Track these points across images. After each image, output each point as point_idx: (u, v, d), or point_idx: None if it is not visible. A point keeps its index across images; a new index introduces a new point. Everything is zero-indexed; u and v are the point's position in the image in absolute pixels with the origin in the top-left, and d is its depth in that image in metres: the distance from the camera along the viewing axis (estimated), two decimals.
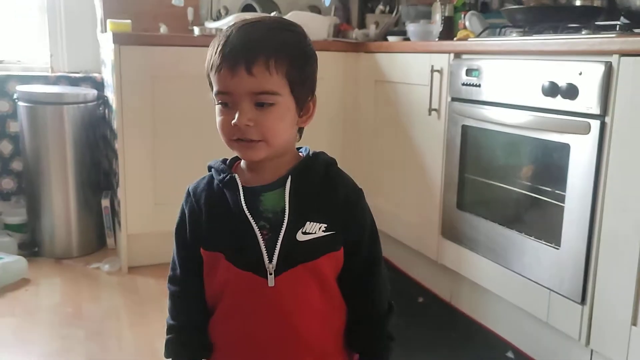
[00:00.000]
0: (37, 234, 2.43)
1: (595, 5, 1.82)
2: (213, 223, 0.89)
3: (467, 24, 2.15)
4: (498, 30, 1.95)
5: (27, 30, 2.72)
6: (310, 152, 0.92)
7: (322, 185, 0.89)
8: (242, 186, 0.88)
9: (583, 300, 1.48)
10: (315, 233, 0.86)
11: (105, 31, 2.40)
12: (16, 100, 2.41)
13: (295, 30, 0.87)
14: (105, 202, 2.51)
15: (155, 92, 2.20)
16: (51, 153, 2.37)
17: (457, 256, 1.96)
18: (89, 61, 2.74)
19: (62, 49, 2.72)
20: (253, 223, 0.86)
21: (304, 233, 0.86)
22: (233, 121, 0.81)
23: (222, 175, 0.90)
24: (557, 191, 1.56)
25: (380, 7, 2.84)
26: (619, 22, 1.54)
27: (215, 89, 0.84)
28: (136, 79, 2.17)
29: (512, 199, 1.77)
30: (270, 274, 0.85)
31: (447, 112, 1.96)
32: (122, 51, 2.14)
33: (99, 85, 2.68)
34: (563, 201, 1.52)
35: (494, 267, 1.77)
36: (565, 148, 1.50)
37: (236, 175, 0.89)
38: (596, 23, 1.60)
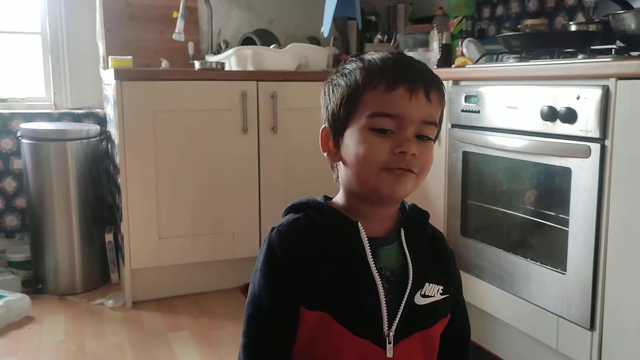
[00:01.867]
0: (41, 270, 2.43)
1: (590, 30, 1.84)
2: (322, 275, 0.74)
3: (464, 51, 2.17)
4: (495, 56, 1.96)
5: (31, 68, 2.76)
6: (406, 204, 0.84)
7: (430, 241, 0.82)
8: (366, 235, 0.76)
9: (592, 326, 1.46)
10: (434, 296, 0.78)
11: (107, 68, 2.43)
12: (20, 138, 2.43)
13: None
14: (108, 237, 2.51)
15: (157, 126, 2.22)
16: (55, 189, 2.38)
17: (463, 283, 1.93)
18: (92, 97, 2.77)
19: (66, 86, 2.75)
20: (378, 280, 0.74)
21: (423, 296, 0.77)
22: (399, 148, 0.72)
23: (333, 219, 0.77)
24: (560, 215, 1.55)
25: (379, 36, 2.88)
26: (614, 46, 1.55)
27: (375, 109, 0.73)
28: (138, 114, 2.19)
29: (515, 224, 1.76)
30: (390, 342, 0.74)
31: (447, 139, 1.96)
32: (123, 87, 2.17)
33: (102, 120, 2.71)
34: (567, 225, 1.51)
35: (501, 293, 1.75)
36: (566, 172, 1.50)
37: (359, 222, 0.77)
38: (592, 47, 1.62)
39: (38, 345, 1.97)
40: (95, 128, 2.52)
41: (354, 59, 0.79)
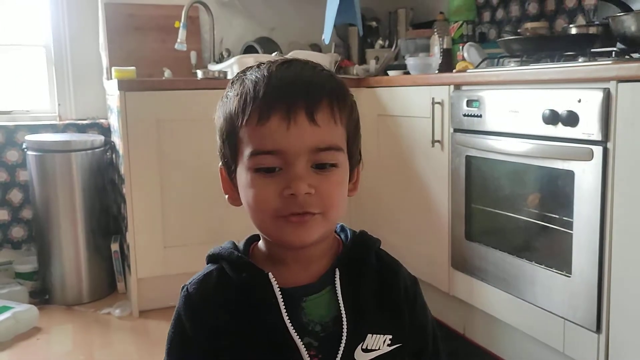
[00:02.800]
0: (48, 281, 2.44)
1: (590, 32, 1.84)
2: (235, 343, 0.64)
3: (465, 55, 2.18)
4: (496, 60, 1.97)
5: (35, 80, 2.79)
6: (350, 232, 0.72)
7: (378, 278, 0.70)
8: (280, 288, 0.65)
9: (598, 329, 1.46)
10: (379, 349, 0.66)
11: (111, 78, 2.45)
12: (25, 150, 2.45)
13: (334, 73, 0.70)
14: (114, 247, 2.52)
15: (160, 136, 2.23)
16: (60, 200, 2.39)
17: (468, 287, 1.94)
18: (96, 108, 2.79)
19: (70, 97, 2.78)
20: (299, 342, 0.63)
21: (365, 350, 0.65)
22: (287, 190, 0.60)
23: (244, 274, 0.66)
24: (564, 218, 1.56)
25: (380, 41, 2.89)
26: (615, 49, 1.56)
27: (252, 147, 0.62)
28: (142, 124, 2.21)
29: (520, 228, 1.76)
30: None
31: (450, 144, 1.97)
32: (127, 97, 2.18)
33: (106, 131, 2.73)
34: (571, 228, 1.52)
35: (506, 297, 1.75)
36: (569, 175, 1.50)
37: (269, 273, 0.65)
38: (592, 50, 1.62)
39: (46, 356, 1.98)
40: (99, 139, 2.54)
41: (235, 79, 0.67)
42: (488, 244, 1.84)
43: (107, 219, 2.60)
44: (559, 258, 1.57)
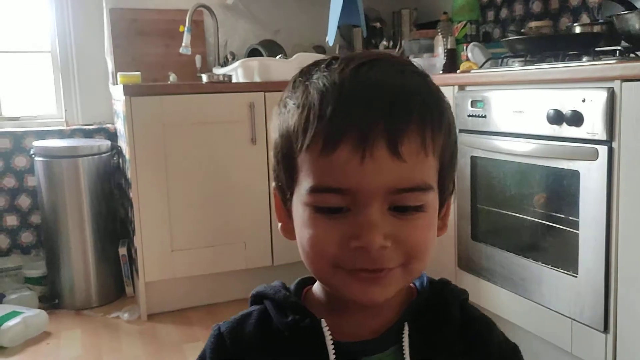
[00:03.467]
0: (57, 286, 2.46)
1: (595, 31, 1.84)
2: None
3: (469, 55, 2.18)
4: (500, 60, 1.97)
5: (42, 86, 2.81)
6: (426, 279, 0.58)
7: (461, 336, 0.55)
8: (333, 341, 0.52)
9: (606, 329, 1.45)
10: None
11: (117, 83, 2.46)
12: (33, 156, 2.47)
13: (427, 75, 0.54)
14: (122, 251, 2.54)
15: (166, 140, 2.24)
16: (68, 205, 2.41)
17: (475, 288, 1.94)
18: (102, 113, 2.81)
19: (76, 102, 2.79)
20: None
21: None
22: (356, 242, 0.47)
23: (292, 317, 0.53)
24: (570, 218, 1.55)
25: (384, 42, 2.89)
26: (619, 47, 1.55)
27: (314, 181, 0.48)
28: (148, 128, 2.22)
29: (525, 228, 1.76)
30: None
31: None
32: (132, 102, 2.19)
33: (113, 135, 2.74)
34: (577, 228, 1.51)
35: (513, 297, 1.75)
36: (574, 175, 1.50)
37: (322, 320, 0.53)
38: (596, 49, 1.62)
39: None
40: (106, 144, 2.56)
41: (301, 80, 0.52)
42: (494, 244, 1.84)
43: (114, 223, 2.61)
44: (565, 258, 1.57)
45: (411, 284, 0.57)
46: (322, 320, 0.53)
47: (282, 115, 0.52)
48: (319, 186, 0.48)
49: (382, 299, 0.50)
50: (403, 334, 0.52)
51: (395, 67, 0.51)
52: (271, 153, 0.55)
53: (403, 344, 0.52)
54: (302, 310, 0.54)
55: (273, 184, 0.57)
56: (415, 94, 0.49)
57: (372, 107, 0.46)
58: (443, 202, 0.54)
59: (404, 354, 0.52)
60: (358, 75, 0.48)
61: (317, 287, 0.58)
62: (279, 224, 0.57)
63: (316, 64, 0.52)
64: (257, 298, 0.58)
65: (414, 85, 0.50)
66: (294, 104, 0.50)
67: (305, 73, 0.52)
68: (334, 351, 0.51)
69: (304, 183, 0.49)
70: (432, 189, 0.50)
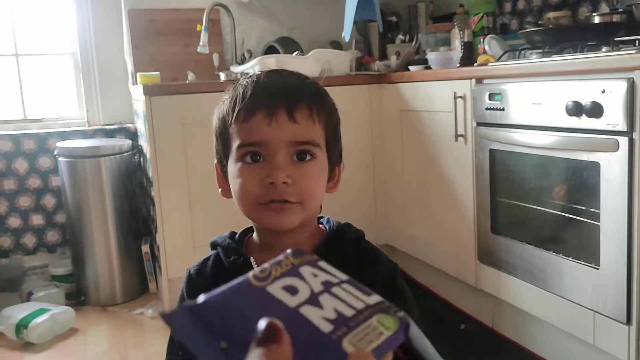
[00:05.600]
0: (83, 283, 2.51)
1: (614, 20, 1.82)
2: None
3: (486, 48, 2.17)
4: (518, 52, 1.96)
5: (63, 88, 2.86)
6: (334, 224, 0.79)
7: (357, 264, 0.75)
8: None
9: (629, 321, 1.45)
10: None
11: (136, 84, 2.50)
12: (57, 156, 2.52)
13: (317, 82, 0.79)
14: (145, 248, 2.58)
15: (186, 138, 2.27)
16: (92, 204, 2.46)
17: (496, 281, 1.94)
18: (123, 112, 2.85)
19: (97, 103, 2.84)
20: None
21: None
22: (267, 179, 0.68)
23: (232, 257, 0.76)
24: (591, 210, 1.54)
25: (400, 36, 2.89)
26: (639, 37, 1.54)
27: (240, 140, 0.71)
28: (167, 127, 2.25)
29: (546, 220, 1.75)
30: None
31: (473, 137, 1.96)
32: (152, 102, 2.22)
33: (133, 135, 2.79)
34: (598, 220, 1.50)
35: (534, 290, 1.75)
36: (595, 166, 1.49)
37: (251, 257, 0.74)
38: (616, 39, 1.60)
39: (84, 356, 2.04)
40: (127, 143, 2.60)
41: (231, 87, 0.77)
42: (514, 237, 1.83)
43: (137, 221, 2.66)
44: (586, 250, 1.56)
45: (323, 228, 0.79)
46: (251, 257, 0.74)
47: (219, 108, 0.76)
48: (244, 142, 0.70)
49: (288, 226, 0.71)
50: None
51: (293, 74, 0.76)
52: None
53: None
54: (239, 252, 0.76)
55: (215, 161, 0.79)
56: (305, 86, 0.74)
57: (276, 92, 0.71)
58: (333, 167, 0.77)
59: None
60: (267, 76, 0.74)
61: (254, 235, 0.80)
62: (219, 190, 0.80)
63: (244, 76, 0.77)
64: (212, 245, 0.81)
65: (304, 83, 0.75)
66: (227, 98, 0.75)
67: (236, 81, 0.77)
68: None
69: (234, 144, 0.72)
70: (319, 146, 0.72)
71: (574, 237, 1.65)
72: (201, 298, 0.42)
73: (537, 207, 1.76)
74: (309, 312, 0.42)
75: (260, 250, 0.76)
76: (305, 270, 0.47)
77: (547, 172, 1.74)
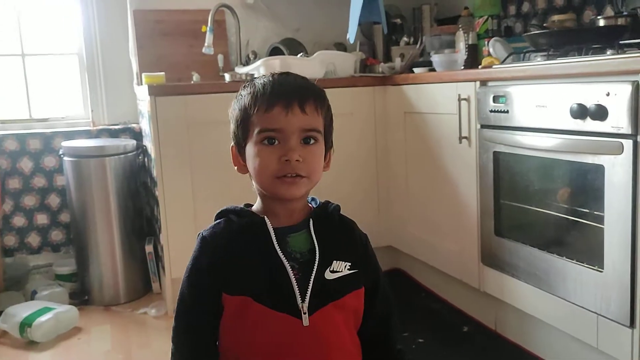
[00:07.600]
0: (87, 282, 2.52)
1: (619, 23, 1.82)
2: (239, 266, 0.89)
3: (491, 50, 2.17)
4: (522, 55, 1.96)
5: (69, 88, 2.87)
6: (318, 201, 0.98)
7: (339, 227, 0.96)
8: (272, 227, 0.90)
9: (632, 324, 1.45)
10: (342, 271, 0.91)
11: (141, 84, 2.51)
12: (62, 156, 2.53)
13: (314, 83, 0.95)
14: (149, 248, 2.59)
15: (191, 139, 2.28)
16: (96, 204, 2.47)
17: (499, 283, 1.94)
18: (128, 113, 2.86)
19: (102, 103, 2.85)
20: (286, 263, 0.88)
21: (332, 271, 0.90)
22: (284, 157, 0.86)
23: (246, 219, 0.92)
24: (595, 213, 1.55)
25: (405, 38, 2.89)
26: None
27: (260, 126, 0.87)
28: (172, 128, 2.26)
29: (549, 223, 1.75)
30: (305, 313, 0.87)
31: (477, 140, 1.96)
32: (157, 102, 2.23)
33: (138, 135, 2.80)
34: (602, 222, 1.50)
35: (537, 292, 1.75)
36: (599, 169, 1.49)
37: (265, 217, 0.91)
38: (621, 42, 1.60)
39: (87, 355, 2.05)
40: (131, 143, 2.61)
41: (247, 84, 0.93)
42: (518, 239, 1.83)
43: (140, 221, 2.67)
44: (590, 253, 1.56)
45: (310, 205, 0.96)
46: (265, 217, 0.91)
47: (239, 101, 0.92)
48: (265, 128, 0.87)
49: (298, 195, 0.89)
50: (310, 223, 0.92)
51: (299, 76, 0.93)
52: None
53: (310, 228, 0.92)
54: (253, 214, 0.93)
55: (232, 143, 0.95)
56: (311, 86, 0.92)
57: (291, 90, 0.88)
58: (327, 151, 0.94)
59: (311, 232, 0.92)
60: (281, 77, 0.91)
61: (255, 205, 0.97)
62: (235, 167, 0.96)
63: (256, 77, 0.92)
64: (222, 213, 0.95)
65: (310, 84, 0.92)
66: (246, 92, 0.91)
67: (251, 80, 0.94)
68: (273, 232, 0.90)
69: (255, 130, 0.88)
70: (320, 133, 0.90)
71: (577, 239, 1.65)
72: None
73: (541, 209, 1.76)
74: None
75: (266, 214, 0.92)
76: None
77: (551, 175, 1.74)
